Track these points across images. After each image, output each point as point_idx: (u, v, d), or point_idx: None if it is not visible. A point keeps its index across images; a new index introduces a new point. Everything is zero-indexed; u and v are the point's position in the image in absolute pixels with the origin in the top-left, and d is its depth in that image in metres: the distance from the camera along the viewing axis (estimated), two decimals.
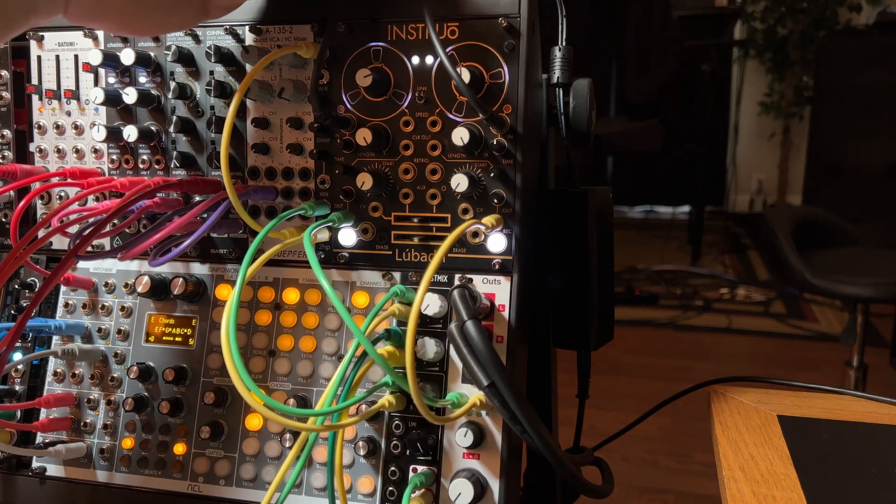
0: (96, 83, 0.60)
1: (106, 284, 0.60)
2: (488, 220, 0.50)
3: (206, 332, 0.58)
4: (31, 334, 0.60)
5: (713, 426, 0.58)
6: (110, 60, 0.57)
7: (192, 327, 0.58)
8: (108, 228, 0.54)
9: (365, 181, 0.52)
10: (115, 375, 0.59)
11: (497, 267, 0.52)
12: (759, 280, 3.90)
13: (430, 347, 0.51)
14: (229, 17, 0.54)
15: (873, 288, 1.79)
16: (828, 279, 1.83)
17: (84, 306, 0.60)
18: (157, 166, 0.59)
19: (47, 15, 0.41)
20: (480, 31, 0.51)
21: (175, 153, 0.58)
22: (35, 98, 0.61)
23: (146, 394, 0.58)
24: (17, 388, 0.60)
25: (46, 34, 0.60)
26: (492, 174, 0.51)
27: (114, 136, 0.58)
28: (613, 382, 2.58)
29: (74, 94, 0.60)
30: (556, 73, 0.56)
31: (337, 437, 0.49)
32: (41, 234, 0.57)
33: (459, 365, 0.51)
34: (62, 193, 0.62)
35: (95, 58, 0.56)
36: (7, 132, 0.62)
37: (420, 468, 0.51)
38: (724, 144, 5.11)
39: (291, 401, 0.54)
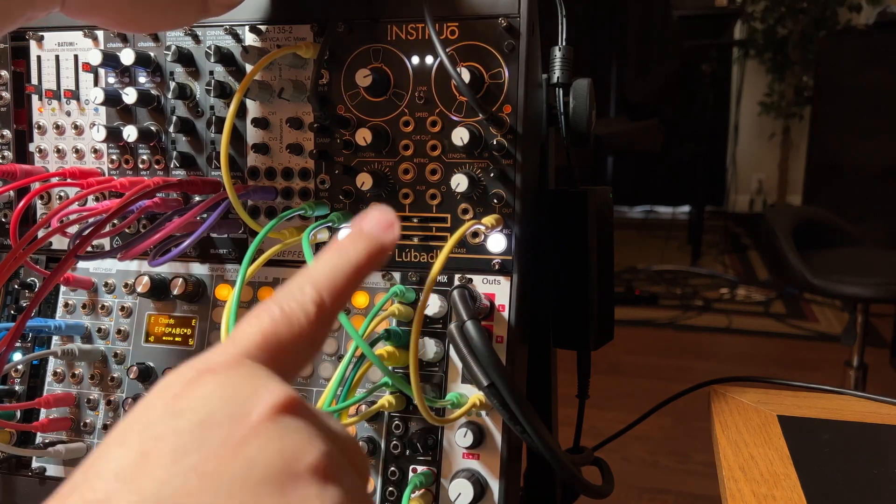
0: (96, 83, 0.60)
1: (106, 284, 0.60)
2: (488, 220, 0.50)
3: (206, 332, 0.58)
4: (30, 334, 0.60)
5: (713, 426, 0.58)
6: (110, 60, 0.57)
7: (192, 327, 0.58)
8: (107, 228, 0.54)
9: (365, 181, 0.52)
10: (114, 375, 0.59)
11: (497, 267, 0.52)
12: (759, 280, 3.90)
13: (430, 347, 0.51)
14: (229, 16, 0.54)
15: (873, 288, 1.79)
16: (828, 279, 1.83)
17: (84, 306, 0.60)
18: (156, 166, 0.59)
19: (45, 9, 0.41)
20: (480, 31, 0.51)
21: (175, 153, 0.58)
22: (35, 98, 0.61)
23: (146, 394, 0.58)
24: (17, 388, 0.60)
25: (46, 34, 0.60)
26: (492, 174, 0.51)
27: (114, 136, 0.58)
28: (613, 382, 2.58)
29: (74, 94, 0.60)
30: (556, 73, 0.55)
31: None
32: (41, 234, 0.57)
33: (459, 365, 0.51)
34: (62, 193, 0.62)
35: (95, 58, 0.56)
36: (7, 132, 0.62)
37: (420, 468, 0.51)
38: (724, 144, 5.10)
39: None
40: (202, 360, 0.25)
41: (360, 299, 0.54)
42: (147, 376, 0.57)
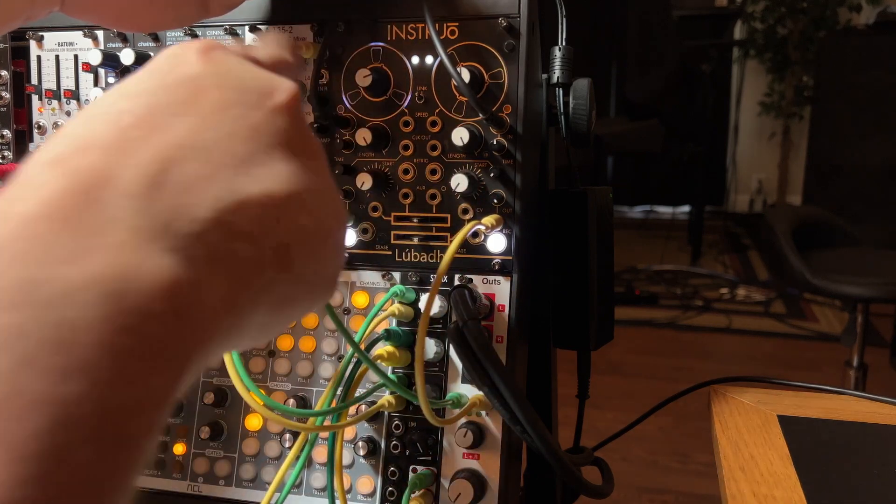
0: (96, 83, 0.60)
1: None
2: (488, 220, 0.50)
3: None
4: None
5: (713, 426, 0.58)
6: (110, 60, 0.57)
7: None
8: None
9: (365, 181, 0.52)
10: None
11: (497, 267, 0.52)
12: (759, 280, 3.90)
13: (430, 348, 0.51)
14: (229, 16, 0.54)
15: (873, 288, 1.79)
16: (828, 279, 1.83)
17: None
18: None
19: (45, 8, 0.41)
20: (480, 31, 0.51)
21: None
22: (35, 98, 0.61)
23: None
24: None
25: (46, 34, 0.60)
26: (492, 174, 0.51)
27: None
28: (613, 382, 2.58)
29: (74, 95, 0.60)
30: (556, 73, 0.55)
31: (337, 437, 0.49)
32: None
33: (459, 365, 0.51)
34: None
35: (95, 58, 0.56)
36: (7, 132, 0.62)
37: (420, 468, 0.51)
38: (724, 144, 5.11)
39: (291, 401, 0.54)
40: (212, 40, 0.31)
41: (360, 299, 0.54)
42: None
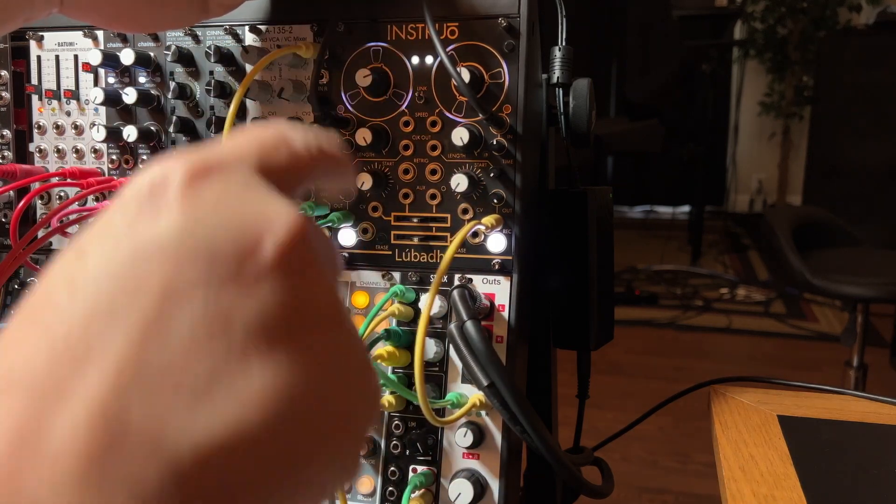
0: (96, 83, 0.60)
1: None
2: (488, 220, 0.50)
3: None
4: None
5: (713, 426, 0.58)
6: (110, 60, 0.57)
7: None
8: None
9: (365, 181, 0.52)
10: None
11: (497, 267, 0.52)
12: (759, 280, 3.90)
13: (430, 348, 0.51)
14: (229, 16, 0.54)
15: (873, 288, 1.79)
16: (828, 279, 1.83)
17: None
18: None
19: (44, 9, 0.41)
20: (480, 31, 0.51)
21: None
22: (35, 98, 0.61)
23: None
24: None
25: (46, 34, 0.60)
26: (492, 174, 0.51)
27: (114, 136, 0.58)
28: (613, 382, 2.58)
29: (74, 94, 0.60)
30: (556, 73, 0.55)
31: None
32: (41, 234, 0.57)
33: (459, 365, 0.51)
34: (62, 193, 0.62)
35: (95, 58, 0.56)
36: (7, 132, 0.62)
37: (420, 468, 0.51)
38: (724, 144, 5.11)
39: None
40: (196, 156, 0.21)
41: (359, 299, 0.54)
42: None
